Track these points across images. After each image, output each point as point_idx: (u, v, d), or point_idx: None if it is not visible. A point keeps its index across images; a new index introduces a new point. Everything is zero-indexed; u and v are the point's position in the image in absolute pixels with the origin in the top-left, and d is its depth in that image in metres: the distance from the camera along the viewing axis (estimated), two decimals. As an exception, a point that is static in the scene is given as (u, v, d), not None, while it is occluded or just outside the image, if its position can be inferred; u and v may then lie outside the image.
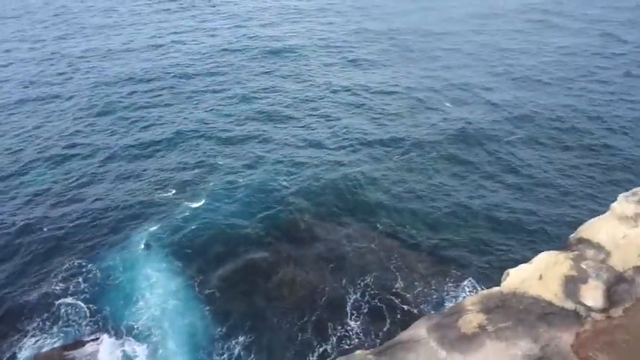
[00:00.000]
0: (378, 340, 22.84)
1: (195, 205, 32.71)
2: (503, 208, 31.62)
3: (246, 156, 38.58)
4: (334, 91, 51.38)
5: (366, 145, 39.99)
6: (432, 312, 24.23)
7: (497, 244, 28.82)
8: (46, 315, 24.89)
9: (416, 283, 26.12)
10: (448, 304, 24.73)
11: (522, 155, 38.01)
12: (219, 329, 23.92)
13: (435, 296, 25.42)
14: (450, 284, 26.09)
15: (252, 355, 22.55)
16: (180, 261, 28.06)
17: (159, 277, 26.90)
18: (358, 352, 8.24)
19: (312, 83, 53.86)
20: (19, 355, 22.77)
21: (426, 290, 25.77)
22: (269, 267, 27.37)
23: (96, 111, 47.98)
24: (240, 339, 23.34)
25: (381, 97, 49.75)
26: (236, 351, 22.83)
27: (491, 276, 25.63)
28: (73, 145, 41.70)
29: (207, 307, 25.16)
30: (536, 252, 13.47)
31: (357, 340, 23.14)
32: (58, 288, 26.41)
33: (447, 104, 47.63)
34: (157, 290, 26.14)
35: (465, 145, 39.32)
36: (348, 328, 23.87)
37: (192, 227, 30.56)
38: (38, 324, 24.40)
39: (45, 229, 31.01)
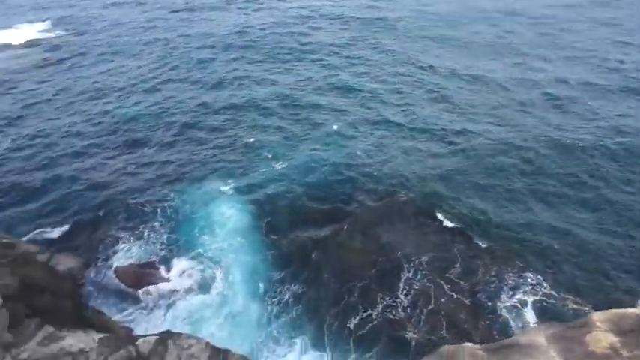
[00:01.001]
0: (423, 317, 23.10)
1: (277, 164, 34.50)
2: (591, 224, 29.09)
3: (332, 126, 39.41)
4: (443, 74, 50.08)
5: (454, 134, 38.51)
6: (487, 303, 23.90)
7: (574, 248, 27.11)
8: (132, 233, 28.25)
9: (474, 269, 25.66)
10: (504, 297, 24.19)
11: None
12: (277, 273, 25.76)
13: (493, 286, 24.82)
14: (511, 275, 25.28)
15: (300, 304, 24.02)
16: (254, 207, 30.17)
17: (232, 217, 29.25)
18: (468, 344, 8.31)
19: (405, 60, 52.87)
20: (102, 265, 26.19)
21: (485, 278, 25.23)
22: (331, 226, 28.46)
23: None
24: (293, 287, 24.92)
25: (471, 86, 47.38)
26: (286, 296, 24.48)
27: (558, 277, 24.54)
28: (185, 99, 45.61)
29: (270, 252, 27.05)
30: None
31: (403, 314, 23.54)
32: (146, 210, 29.77)
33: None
34: (229, 228, 28.50)
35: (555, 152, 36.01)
36: (397, 300, 24.28)
37: (270, 181, 32.60)
38: (125, 239, 27.80)
39: (146, 161, 34.87)
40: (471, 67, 51.02)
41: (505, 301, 23.99)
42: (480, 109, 42.11)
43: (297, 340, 22.35)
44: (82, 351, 9.56)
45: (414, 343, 22.10)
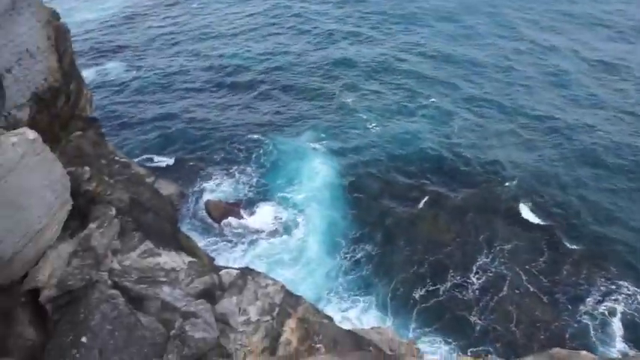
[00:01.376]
0: (492, 304, 22.43)
1: (372, 129, 34.21)
2: None
3: (431, 98, 37.97)
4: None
5: (563, 124, 35.22)
6: (567, 305, 22.53)
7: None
8: (226, 172, 30.10)
9: (560, 268, 24.12)
10: (590, 302, 22.62)
11: None
12: (353, 231, 26.29)
13: (580, 289, 23.25)
14: (603, 281, 23.43)
15: (370, 265, 24.44)
16: (343, 166, 30.59)
17: (320, 172, 30.00)
18: (584, 352, 7.96)
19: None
20: (196, 196, 28.30)
21: (570, 279, 23.68)
22: (415, 199, 28.10)
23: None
24: (367, 247, 25.34)
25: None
26: (359, 255, 24.98)
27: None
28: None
29: (352, 211, 27.53)
30: None
31: (472, 294, 23.03)
32: (241, 153, 31.43)
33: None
34: (316, 182, 29.33)
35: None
36: (468, 281, 23.75)
37: (362, 144, 32.61)
38: (218, 176, 29.72)
39: (248, 106, 36.47)
40: (600, 50, 45.62)
41: (589, 307, 22.38)
42: (600, 101, 37.98)
43: (362, 299, 22.88)
44: (173, 269, 10.47)
45: (477, 328, 21.63)
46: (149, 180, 16.58)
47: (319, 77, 40.48)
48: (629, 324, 21.62)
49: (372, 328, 16.52)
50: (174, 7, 55.31)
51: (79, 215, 9.21)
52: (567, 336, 21.32)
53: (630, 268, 23.90)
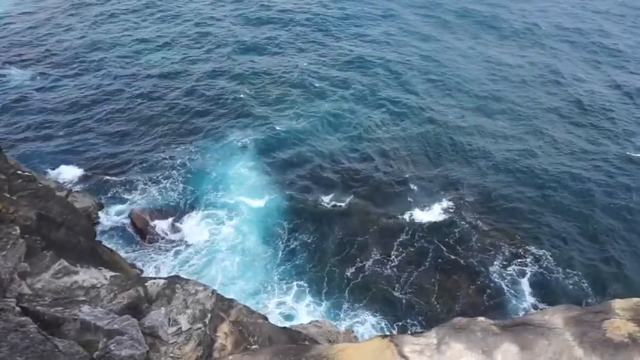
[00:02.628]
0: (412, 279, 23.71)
1: (295, 123, 34.42)
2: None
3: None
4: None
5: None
6: (482, 269, 24.18)
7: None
8: (150, 180, 28.68)
9: (471, 240, 26.00)
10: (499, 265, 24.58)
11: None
12: (287, 223, 26.50)
13: (490, 256, 25.13)
14: (511, 247, 25.74)
15: (306, 253, 25.00)
16: (269, 163, 30.50)
17: (247, 171, 29.66)
18: (481, 318, 8.27)
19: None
20: (117, 207, 26.79)
21: (482, 250, 25.49)
22: (343, 189, 28.80)
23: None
24: (301, 237, 25.81)
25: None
26: (293, 245, 25.48)
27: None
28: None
29: (284, 204, 27.59)
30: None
31: (395, 270, 24.15)
32: (164, 162, 30.08)
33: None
34: (244, 181, 29.00)
35: None
36: (389, 260, 24.81)
37: (287, 140, 32.67)
38: (142, 186, 28.28)
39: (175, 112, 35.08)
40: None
41: (500, 271, 24.44)
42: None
43: (296, 284, 23.50)
44: (93, 287, 9.91)
45: (403, 302, 22.89)
46: (61, 193, 15.43)
47: (234, 82, 39.38)
48: (536, 282, 23.99)
49: (310, 322, 16.63)
50: (78, 10, 51.46)
51: (-23, 238, 8.35)
52: (484, 301, 23.04)
53: (533, 235, 26.44)
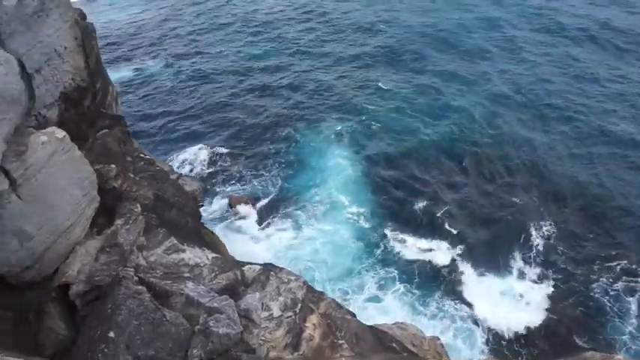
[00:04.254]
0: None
1: (392, 113, 34.37)
2: None
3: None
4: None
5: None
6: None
7: None
8: (251, 168, 30.26)
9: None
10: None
11: None
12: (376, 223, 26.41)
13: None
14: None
15: (394, 241, 25.02)
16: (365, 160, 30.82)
17: (340, 166, 30.15)
18: (619, 357, 7.68)
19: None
20: (219, 191, 28.60)
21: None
22: (430, 188, 28.07)
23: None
24: (389, 228, 25.72)
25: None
26: (385, 230, 25.65)
27: None
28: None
29: (371, 203, 27.52)
30: None
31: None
32: (267, 151, 31.64)
33: None
34: (337, 176, 29.44)
35: None
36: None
37: (380, 132, 32.76)
38: (242, 172, 29.93)
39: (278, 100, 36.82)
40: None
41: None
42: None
43: (382, 273, 23.50)
44: (197, 265, 10.57)
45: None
46: (173, 177, 16.85)
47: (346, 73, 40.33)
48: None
49: (394, 324, 16.46)
50: (197, 7, 55.82)
51: (106, 212, 9.42)
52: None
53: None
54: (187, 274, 10.26)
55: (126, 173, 10.72)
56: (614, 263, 23.57)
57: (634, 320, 21.22)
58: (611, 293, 22.23)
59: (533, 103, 35.59)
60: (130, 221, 8.95)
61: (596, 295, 22.22)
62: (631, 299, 21.98)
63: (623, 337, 20.61)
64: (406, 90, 37.59)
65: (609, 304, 21.85)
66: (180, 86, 39.41)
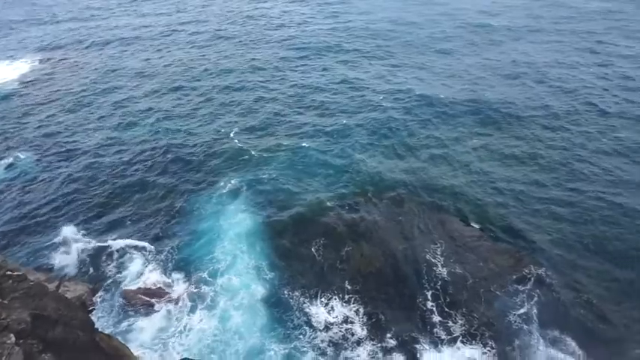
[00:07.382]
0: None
1: (272, 165, 35.01)
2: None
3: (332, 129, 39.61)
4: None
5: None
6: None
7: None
8: (139, 252, 28.09)
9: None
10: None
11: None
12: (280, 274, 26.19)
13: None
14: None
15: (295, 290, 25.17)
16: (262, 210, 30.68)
17: (237, 221, 29.68)
18: None
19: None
20: (109, 288, 25.93)
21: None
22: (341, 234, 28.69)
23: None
24: (285, 278, 25.79)
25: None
26: (277, 285, 25.55)
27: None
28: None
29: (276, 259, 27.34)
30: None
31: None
32: (152, 229, 29.70)
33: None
34: (234, 233, 28.84)
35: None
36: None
37: (270, 180, 33.32)
38: (132, 257, 27.63)
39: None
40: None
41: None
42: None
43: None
44: (97, 385, 9.29)
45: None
46: (52, 286, 14.85)
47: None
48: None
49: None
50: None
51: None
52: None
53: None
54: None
55: (-10, 299, 9.13)
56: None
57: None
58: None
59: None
60: (3, 358, 7.54)
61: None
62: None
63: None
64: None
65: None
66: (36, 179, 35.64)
